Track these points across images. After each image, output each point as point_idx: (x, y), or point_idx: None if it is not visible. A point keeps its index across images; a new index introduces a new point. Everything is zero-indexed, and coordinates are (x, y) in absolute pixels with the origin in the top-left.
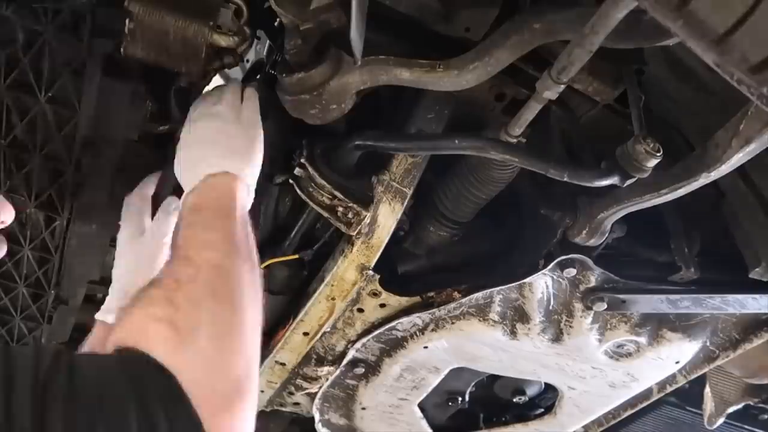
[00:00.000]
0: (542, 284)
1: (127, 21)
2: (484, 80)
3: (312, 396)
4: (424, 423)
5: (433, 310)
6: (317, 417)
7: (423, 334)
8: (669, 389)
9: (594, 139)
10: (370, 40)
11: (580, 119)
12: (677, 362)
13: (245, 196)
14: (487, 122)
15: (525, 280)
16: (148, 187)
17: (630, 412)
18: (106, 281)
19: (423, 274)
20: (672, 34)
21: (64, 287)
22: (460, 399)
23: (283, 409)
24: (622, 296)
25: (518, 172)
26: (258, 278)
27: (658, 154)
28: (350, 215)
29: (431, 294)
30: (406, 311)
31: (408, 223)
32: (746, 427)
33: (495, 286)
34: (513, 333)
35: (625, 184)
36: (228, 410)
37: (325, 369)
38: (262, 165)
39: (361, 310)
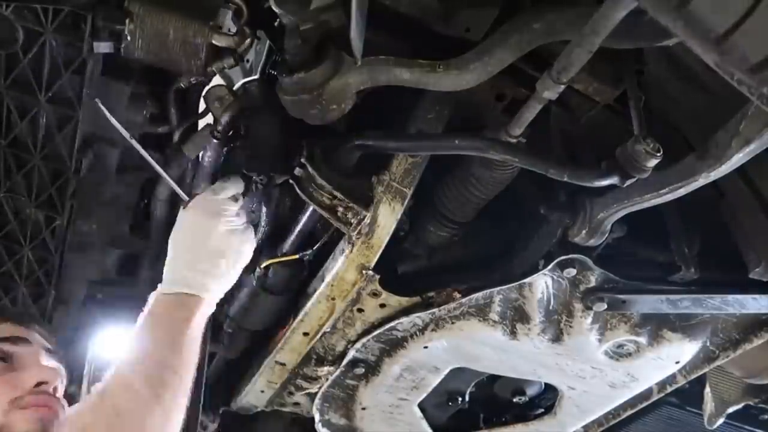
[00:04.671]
0: (542, 284)
1: (127, 21)
2: (484, 80)
3: (312, 396)
4: (424, 423)
5: (433, 310)
6: (317, 417)
7: (423, 334)
8: (669, 389)
9: (594, 139)
10: (370, 40)
11: (580, 119)
12: (677, 362)
13: (205, 314)
14: (487, 122)
15: (525, 280)
16: None
17: (630, 412)
18: (106, 281)
19: (423, 274)
20: (672, 34)
21: (64, 287)
22: (460, 399)
23: (283, 409)
24: (622, 296)
25: (518, 172)
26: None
27: (658, 154)
28: (350, 215)
29: (431, 294)
30: (406, 311)
31: (408, 223)
32: (746, 427)
33: (495, 286)
34: (513, 333)
35: (625, 184)
36: None
37: (325, 369)
38: (264, 165)
39: (361, 310)
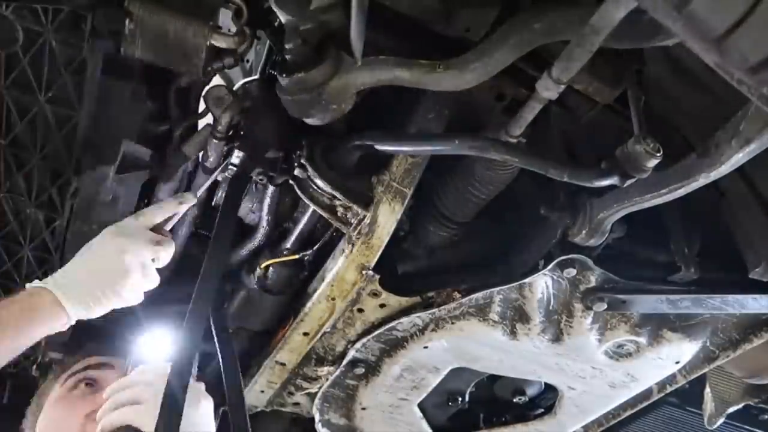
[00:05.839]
0: (542, 284)
1: (127, 21)
2: (484, 80)
3: (312, 396)
4: (424, 423)
5: (433, 310)
6: (317, 417)
7: (423, 334)
8: (669, 389)
9: (594, 139)
10: (370, 40)
11: (580, 119)
12: (677, 362)
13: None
14: (487, 122)
15: (525, 281)
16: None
17: (630, 412)
18: None
19: (423, 274)
20: (672, 34)
21: None
22: (460, 399)
23: (283, 409)
24: (622, 296)
25: (518, 172)
26: None
27: (658, 154)
28: (350, 215)
29: (431, 294)
30: (406, 311)
31: (408, 223)
32: (746, 427)
33: (495, 286)
34: (513, 333)
35: (625, 184)
36: None
37: (325, 369)
38: (264, 165)
39: (361, 310)
